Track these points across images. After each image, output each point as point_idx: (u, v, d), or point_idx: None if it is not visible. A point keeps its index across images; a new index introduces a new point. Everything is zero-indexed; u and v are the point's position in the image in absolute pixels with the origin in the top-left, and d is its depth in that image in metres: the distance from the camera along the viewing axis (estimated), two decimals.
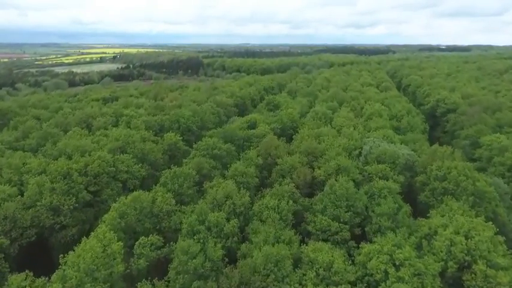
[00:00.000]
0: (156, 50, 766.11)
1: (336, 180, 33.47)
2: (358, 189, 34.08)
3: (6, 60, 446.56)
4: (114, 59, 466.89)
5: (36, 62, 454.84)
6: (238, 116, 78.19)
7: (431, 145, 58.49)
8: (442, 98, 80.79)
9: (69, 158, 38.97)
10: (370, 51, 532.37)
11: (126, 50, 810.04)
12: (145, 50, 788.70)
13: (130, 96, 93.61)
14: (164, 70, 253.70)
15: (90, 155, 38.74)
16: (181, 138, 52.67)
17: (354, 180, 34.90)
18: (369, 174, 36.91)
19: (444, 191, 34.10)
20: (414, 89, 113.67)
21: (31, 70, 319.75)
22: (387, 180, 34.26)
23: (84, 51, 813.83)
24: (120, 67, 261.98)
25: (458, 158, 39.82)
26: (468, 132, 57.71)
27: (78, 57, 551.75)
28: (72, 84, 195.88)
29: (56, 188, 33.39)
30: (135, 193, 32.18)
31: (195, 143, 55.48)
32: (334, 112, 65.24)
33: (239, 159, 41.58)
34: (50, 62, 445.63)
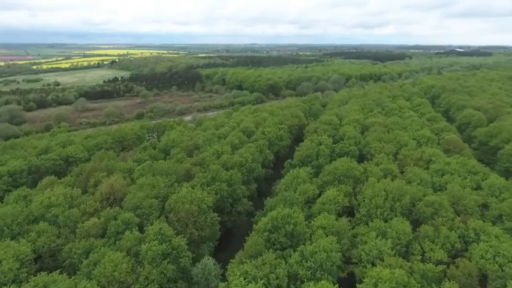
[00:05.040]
0: (161, 52, 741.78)
1: None
2: None
3: (2, 64, 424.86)
4: (112, 64, 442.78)
5: (34, 66, 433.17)
6: (221, 223, 44.64)
7: None
8: None
9: None
10: (384, 56, 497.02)
11: (131, 51, 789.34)
12: (150, 51, 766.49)
13: (59, 163, 60.85)
14: (157, 82, 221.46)
15: None
16: None
17: None
18: None
19: None
20: (486, 138, 79.22)
21: (18, 78, 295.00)
22: None
23: (88, 52, 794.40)
24: (106, 80, 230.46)
25: None
26: None
27: (79, 60, 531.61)
28: (42, 104, 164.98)
29: None
30: None
31: None
32: (408, 251, 31.55)
33: None
34: (44, 67, 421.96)
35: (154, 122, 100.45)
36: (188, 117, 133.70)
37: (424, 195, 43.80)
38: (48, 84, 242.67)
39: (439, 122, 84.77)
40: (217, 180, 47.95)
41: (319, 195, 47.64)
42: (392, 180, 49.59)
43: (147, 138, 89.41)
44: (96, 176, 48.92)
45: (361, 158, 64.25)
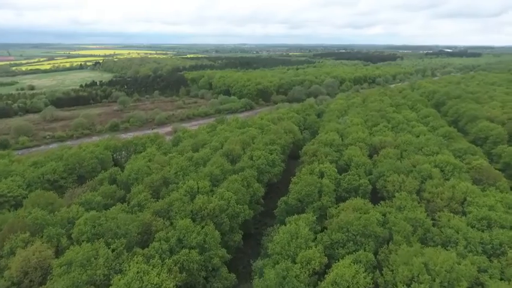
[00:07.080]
0: (148, 52, 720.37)
1: None
2: None
3: None
4: (95, 65, 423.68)
5: (14, 67, 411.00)
6: None
7: None
8: None
9: None
10: (375, 57, 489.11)
11: (118, 52, 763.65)
12: (138, 51, 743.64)
13: None
14: (139, 86, 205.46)
15: None
16: None
17: None
18: None
19: None
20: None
21: None
22: None
23: (74, 53, 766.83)
24: (82, 85, 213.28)
25: None
26: None
27: (62, 61, 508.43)
28: (6, 113, 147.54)
29: None
30: None
31: None
32: None
33: None
34: (24, 69, 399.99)
35: (124, 137, 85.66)
36: (168, 129, 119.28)
37: (479, 269, 30.90)
38: (22, 89, 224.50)
39: (458, 140, 72.52)
40: (185, 246, 34.04)
41: (328, 262, 34.40)
42: (425, 237, 36.83)
43: (116, 157, 75.21)
44: (13, 240, 34.51)
45: (374, 194, 51.26)
